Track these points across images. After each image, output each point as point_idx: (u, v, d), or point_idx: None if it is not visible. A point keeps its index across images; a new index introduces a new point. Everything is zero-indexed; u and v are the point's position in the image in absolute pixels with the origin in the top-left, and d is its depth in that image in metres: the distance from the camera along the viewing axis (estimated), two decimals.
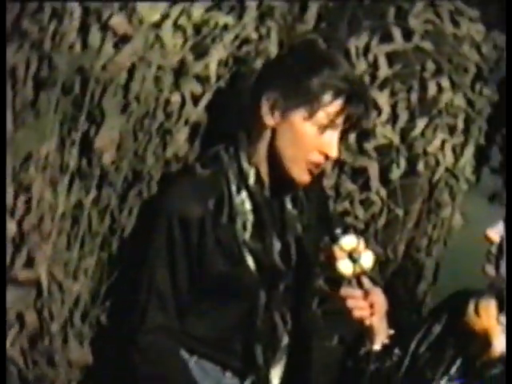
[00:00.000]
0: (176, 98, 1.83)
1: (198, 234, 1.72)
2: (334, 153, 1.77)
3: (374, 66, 2.45)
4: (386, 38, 2.45)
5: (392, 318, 1.87)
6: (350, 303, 1.75)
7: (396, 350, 1.82)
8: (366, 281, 1.75)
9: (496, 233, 1.72)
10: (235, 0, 2.01)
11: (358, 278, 1.73)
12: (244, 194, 1.78)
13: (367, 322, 1.76)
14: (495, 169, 3.62)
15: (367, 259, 1.73)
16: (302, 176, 1.79)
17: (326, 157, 1.79)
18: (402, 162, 2.48)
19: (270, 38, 2.14)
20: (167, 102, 1.82)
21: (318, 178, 1.90)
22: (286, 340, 1.84)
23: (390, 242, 2.53)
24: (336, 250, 1.71)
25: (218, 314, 1.78)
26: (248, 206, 1.78)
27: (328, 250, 1.73)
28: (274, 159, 1.80)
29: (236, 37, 2.05)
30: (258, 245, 1.79)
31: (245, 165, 1.78)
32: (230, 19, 2.01)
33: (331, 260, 1.72)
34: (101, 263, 1.78)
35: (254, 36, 2.12)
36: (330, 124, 1.76)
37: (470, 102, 2.58)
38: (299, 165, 1.78)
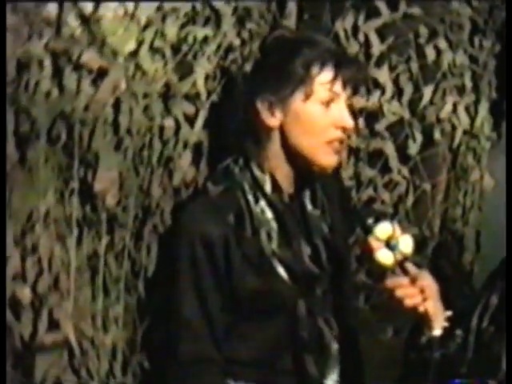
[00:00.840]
0: (169, 123, 1.74)
1: (224, 253, 1.64)
2: (349, 122, 1.69)
3: (366, 44, 2.37)
4: (372, 13, 2.37)
5: (444, 297, 1.77)
6: (399, 293, 1.64)
7: (458, 331, 1.71)
8: (410, 266, 1.65)
9: None
10: (209, 9, 1.92)
11: (400, 265, 1.62)
12: (262, 203, 1.69)
13: (421, 309, 1.65)
14: None
15: (406, 243, 1.63)
16: (329, 159, 1.71)
17: (343, 129, 1.70)
18: (418, 135, 2.40)
19: (253, 41, 2.06)
20: (161, 129, 1.74)
21: (334, 170, 1.80)
22: (335, 346, 1.74)
23: (424, 220, 2.44)
24: (372, 241, 1.61)
25: (259, 332, 1.69)
26: (269, 214, 1.70)
27: (364, 243, 1.63)
28: (293, 157, 1.71)
29: (218, 47, 1.97)
30: (286, 253, 1.70)
31: (258, 173, 1.70)
32: (208, 31, 1.93)
33: (369, 252, 1.62)
34: (130, 309, 1.70)
35: (237, 42, 2.03)
36: (331, 95, 1.67)
37: (472, 58, 2.49)
38: (322, 149, 1.69)
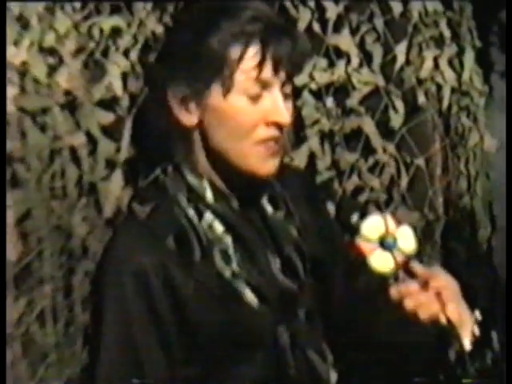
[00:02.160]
0: (80, 140, 1.36)
1: (169, 287, 1.26)
2: (284, 117, 1.31)
3: (319, 9, 2.07)
4: None
5: (468, 292, 1.41)
6: (410, 303, 1.28)
7: (494, 335, 1.34)
8: (416, 266, 1.29)
9: None
10: None
11: (404, 266, 1.26)
12: (208, 215, 1.32)
13: (442, 319, 1.29)
14: (503, 72, 3.17)
15: (406, 238, 1.28)
16: (262, 165, 1.34)
17: (278, 126, 1.32)
18: (399, 104, 2.10)
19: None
20: (72, 150, 1.35)
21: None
22: (334, 377, 1.37)
23: (424, 201, 2.10)
24: (361, 243, 1.25)
25: (235, 377, 1.30)
26: (219, 228, 1.33)
27: (352, 247, 1.27)
28: (220, 161, 1.34)
29: (136, 39, 1.60)
30: (251, 271, 1.33)
31: (193, 180, 1.33)
32: (118, 20, 1.55)
33: (362, 258, 1.26)
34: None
35: (160, 29, 1.66)
36: (259, 84, 1.29)
37: (445, 3, 2.14)
38: (251, 153, 1.32)
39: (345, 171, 2.05)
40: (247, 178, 1.38)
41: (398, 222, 1.29)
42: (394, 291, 1.29)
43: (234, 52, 1.26)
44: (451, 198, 2.17)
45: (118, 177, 1.48)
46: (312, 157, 2.06)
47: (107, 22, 1.55)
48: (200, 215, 1.33)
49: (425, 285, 1.30)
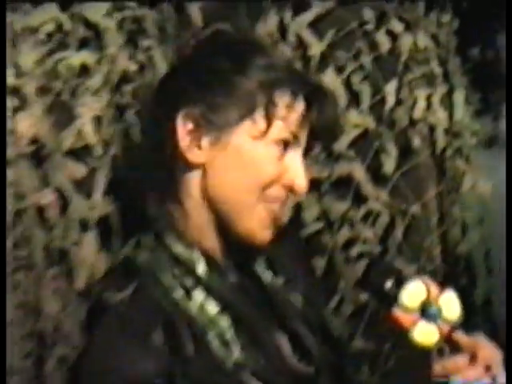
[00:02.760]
0: (49, 199, 1.14)
1: None
2: (301, 181, 1.16)
3: (301, 45, 1.91)
4: (301, 5, 1.91)
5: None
6: (460, 379, 1.12)
7: None
8: (461, 337, 1.14)
9: None
10: (83, 26, 1.36)
11: (448, 338, 1.11)
12: (198, 293, 1.12)
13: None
14: (477, 110, 3.08)
15: (450, 305, 1.13)
16: (261, 230, 1.17)
17: (291, 190, 1.17)
18: (391, 147, 1.91)
19: (155, 61, 1.51)
20: (40, 209, 1.13)
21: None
22: None
23: (422, 252, 1.93)
24: (400, 314, 1.08)
25: None
26: (214, 308, 1.13)
27: (389, 319, 1.10)
28: (214, 216, 1.15)
29: (107, 78, 1.41)
30: (257, 358, 1.13)
31: (181, 250, 1.14)
32: (86, 55, 1.36)
33: (402, 332, 1.10)
34: None
35: (133, 67, 1.48)
36: (291, 138, 1.14)
37: (434, 38, 2.00)
38: (255, 212, 1.15)
39: (335, 222, 1.89)
40: (241, 243, 1.19)
41: (441, 287, 1.13)
42: (439, 367, 1.13)
43: (282, 99, 1.10)
44: (448, 247, 2.01)
45: (91, 240, 1.26)
46: (298, 207, 1.89)
47: (76, 58, 1.35)
48: (189, 294, 1.13)
49: (473, 357, 1.15)
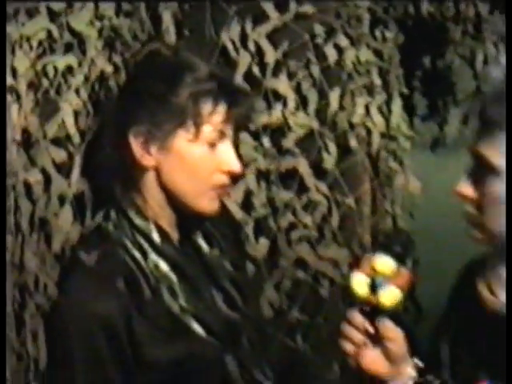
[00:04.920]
0: (35, 178, 1.41)
1: (126, 328, 1.33)
2: (236, 166, 1.43)
3: (259, 53, 2.17)
4: (260, 17, 2.16)
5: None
6: (345, 328, 1.36)
7: (429, 377, 1.44)
8: (383, 320, 1.36)
9: (467, 186, 1.37)
10: (69, 34, 1.61)
11: (374, 309, 1.34)
12: (153, 256, 1.40)
13: (353, 361, 1.37)
14: (424, 116, 3.35)
15: (389, 293, 1.34)
16: (212, 205, 1.45)
17: (229, 174, 1.44)
18: (332, 146, 2.18)
19: (128, 64, 1.76)
20: (27, 185, 1.40)
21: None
22: None
23: (354, 238, 2.20)
24: (365, 262, 1.32)
25: None
26: (165, 267, 1.41)
27: (358, 261, 1.35)
28: (172, 200, 1.42)
29: (86, 77, 1.66)
30: (198, 305, 1.42)
31: (140, 222, 1.42)
32: (70, 59, 1.61)
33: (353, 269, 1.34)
34: None
35: (109, 69, 1.73)
36: (219, 135, 1.41)
37: (377, 53, 2.27)
38: (204, 194, 1.44)
39: (279, 208, 2.15)
40: (185, 218, 1.46)
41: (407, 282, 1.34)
42: (351, 313, 1.35)
43: (206, 108, 1.36)
44: (378, 235, 2.28)
45: (66, 212, 1.53)
46: (248, 194, 2.15)
47: (61, 61, 1.61)
48: (145, 256, 1.41)
49: (374, 332, 1.37)
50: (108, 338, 1.32)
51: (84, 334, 1.31)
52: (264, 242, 2.14)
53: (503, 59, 3.47)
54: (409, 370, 1.38)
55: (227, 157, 1.42)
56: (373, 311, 1.34)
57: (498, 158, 1.32)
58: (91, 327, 1.31)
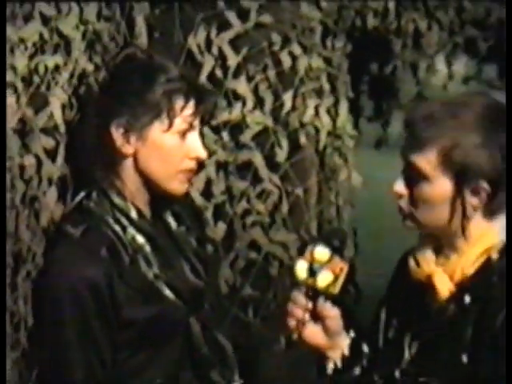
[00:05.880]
0: (30, 161, 1.64)
1: (108, 290, 1.57)
2: (202, 153, 1.69)
3: (221, 57, 2.38)
4: (224, 25, 2.37)
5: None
6: (290, 307, 1.62)
7: (365, 349, 1.71)
8: (321, 299, 1.62)
9: (401, 187, 1.63)
10: (57, 36, 1.84)
11: (310, 290, 1.60)
12: (131, 230, 1.65)
13: (294, 335, 1.63)
14: (370, 117, 3.63)
15: (323, 277, 1.60)
16: (181, 187, 1.71)
17: (197, 160, 1.70)
18: (284, 142, 2.43)
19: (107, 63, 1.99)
20: (22, 167, 1.63)
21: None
22: (231, 351, 1.74)
23: (301, 225, 2.45)
24: (307, 253, 1.59)
25: (159, 360, 1.64)
26: (141, 239, 1.66)
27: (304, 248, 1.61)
28: (147, 183, 1.68)
29: (71, 75, 1.89)
30: (169, 273, 1.67)
31: (119, 202, 1.66)
32: (58, 58, 1.84)
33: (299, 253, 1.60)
34: (16, 366, 1.58)
35: (90, 67, 1.96)
36: (188, 127, 1.67)
37: (326, 61, 2.53)
38: (175, 178, 1.69)
39: (236, 196, 2.36)
40: (158, 198, 1.72)
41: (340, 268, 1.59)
42: (293, 293, 1.61)
43: (178, 103, 1.61)
44: (323, 223, 2.55)
45: (52, 192, 1.77)
46: (208, 183, 2.37)
47: (51, 60, 1.83)
48: (124, 230, 1.66)
49: (313, 310, 1.62)
50: (94, 299, 1.56)
51: (73, 295, 1.55)
52: (222, 226, 2.37)
53: (443, 68, 3.80)
54: (344, 343, 1.64)
55: (195, 145, 1.67)
56: (314, 293, 1.61)
57: (428, 168, 1.58)
58: (80, 289, 1.55)
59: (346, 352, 1.67)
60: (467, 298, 1.58)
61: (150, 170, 1.66)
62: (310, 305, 1.61)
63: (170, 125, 1.64)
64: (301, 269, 1.60)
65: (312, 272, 1.59)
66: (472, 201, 1.57)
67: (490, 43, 3.28)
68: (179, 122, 1.65)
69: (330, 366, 1.66)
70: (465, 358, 1.55)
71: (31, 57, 1.77)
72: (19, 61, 1.67)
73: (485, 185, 1.55)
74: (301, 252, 2.32)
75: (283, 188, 2.40)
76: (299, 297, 1.63)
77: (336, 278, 1.61)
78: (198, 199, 2.34)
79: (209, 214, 2.37)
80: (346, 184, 2.61)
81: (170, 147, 1.65)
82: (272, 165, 2.39)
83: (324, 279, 1.60)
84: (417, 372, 1.60)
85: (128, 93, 1.62)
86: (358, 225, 2.67)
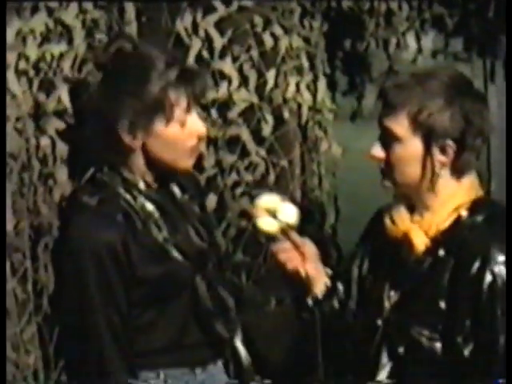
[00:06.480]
0: (45, 142, 1.81)
1: (125, 251, 1.75)
2: (202, 130, 1.84)
3: (208, 39, 2.51)
4: (209, 9, 2.51)
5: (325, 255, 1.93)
6: (282, 257, 1.81)
7: (340, 286, 1.90)
8: (293, 234, 1.82)
9: (378, 150, 1.81)
10: (60, 26, 1.99)
11: (284, 233, 1.78)
12: (141, 199, 1.82)
13: (302, 272, 1.83)
14: (345, 91, 3.78)
15: (289, 213, 1.78)
16: (189, 163, 1.87)
17: (199, 137, 1.86)
18: (268, 118, 2.57)
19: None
20: (38, 148, 1.79)
21: None
22: (233, 305, 1.92)
23: (286, 193, 2.61)
24: (255, 210, 1.76)
25: (167, 317, 1.83)
26: (150, 207, 1.83)
27: (248, 213, 1.79)
28: (158, 165, 1.83)
29: (74, 61, 2.04)
30: (177, 237, 1.85)
31: (129, 176, 1.82)
32: (63, 46, 1.99)
33: (253, 220, 1.78)
34: (41, 328, 1.75)
35: (89, 56, 2.11)
36: (187, 112, 1.81)
37: (305, 40, 2.68)
38: (183, 158, 1.85)
39: (226, 169, 2.51)
40: (164, 172, 1.88)
41: (284, 202, 1.78)
42: (274, 246, 1.81)
43: (172, 96, 1.75)
44: (306, 192, 2.72)
45: (64, 170, 1.93)
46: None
47: (56, 48, 1.98)
48: (135, 199, 1.83)
49: (295, 247, 1.83)
50: (112, 260, 1.73)
51: (95, 258, 1.72)
52: (213, 197, 2.52)
53: (413, 44, 3.97)
54: (324, 275, 1.84)
55: (195, 126, 1.83)
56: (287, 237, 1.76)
57: (400, 130, 1.77)
58: (100, 252, 1.72)
59: (328, 283, 1.86)
60: (441, 251, 1.77)
61: (160, 156, 1.81)
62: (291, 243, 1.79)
63: (170, 119, 1.78)
64: (266, 223, 1.77)
65: (276, 218, 1.76)
66: (440, 158, 1.75)
67: (455, 19, 3.46)
68: (178, 113, 1.79)
69: (310, 299, 1.85)
70: (442, 305, 1.74)
71: (39, 45, 1.92)
72: (31, 50, 1.82)
73: (451, 143, 1.74)
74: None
75: (269, 160, 2.55)
76: (282, 244, 1.81)
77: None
78: None
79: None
80: (327, 155, 2.77)
81: (174, 136, 1.80)
82: (258, 139, 2.54)
83: (288, 215, 1.78)
84: (398, 319, 1.79)
85: (126, 95, 1.76)
86: (338, 191, 2.84)
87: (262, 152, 2.56)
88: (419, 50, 3.69)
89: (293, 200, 2.62)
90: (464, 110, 1.75)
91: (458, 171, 1.78)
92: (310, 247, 1.88)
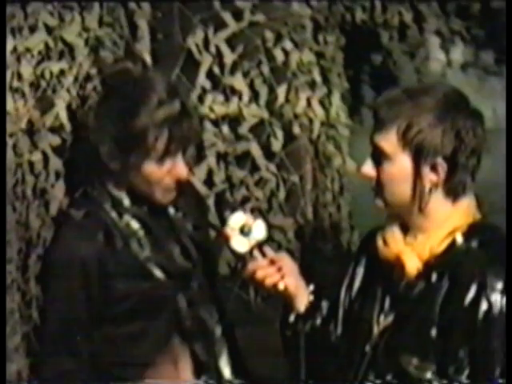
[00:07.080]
0: (38, 157, 1.84)
1: (99, 269, 1.76)
2: (184, 174, 1.81)
3: (218, 55, 2.53)
4: (220, 25, 2.52)
5: (318, 274, 1.90)
6: (259, 274, 1.78)
7: (324, 303, 1.85)
8: (267, 249, 1.78)
9: (369, 168, 1.76)
10: (61, 44, 2.02)
11: (259, 249, 1.75)
12: (126, 216, 1.83)
13: (281, 286, 1.79)
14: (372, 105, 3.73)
15: (258, 229, 1.75)
16: (164, 200, 1.84)
17: (177, 180, 1.83)
18: (279, 133, 2.56)
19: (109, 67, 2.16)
20: (31, 163, 1.83)
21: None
22: (219, 330, 1.90)
23: (297, 210, 2.60)
24: (227, 231, 1.74)
25: (148, 332, 1.83)
26: (135, 225, 1.83)
27: (219, 234, 1.77)
28: (135, 190, 1.84)
29: (76, 78, 2.07)
30: (159, 256, 1.85)
31: (115, 192, 1.83)
32: (63, 64, 2.03)
33: (226, 242, 1.75)
34: (28, 337, 1.78)
35: (93, 71, 2.14)
36: (166, 153, 1.77)
37: (319, 54, 2.67)
38: (157, 193, 1.84)
39: (235, 185, 2.52)
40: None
41: (254, 218, 1.76)
42: (250, 265, 1.78)
43: (154, 136, 1.73)
44: (318, 208, 2.70)
45: (60, 186, 1.96)
46: (210, 172, 2.53)
47: (56, 66, 2.02)
48: (120, 216, 1.84)
49: (272, 262, 1.78)
50: (81, 274, 1.73)
51: (62, 269, 1.74)
52: (224, 212, 2.53)
53: (441, 56, 3.93)
54: (307, 291, 1.80)
55: (177, 169, 1.75)
56: (261, 253, 1.73)
57: (388, 147, 1.72)
58: (69, 264, 1.74)
59: (311, 298, 1.81)
60: (434, 276, 1.70)
61: (137, 185, 1.82)
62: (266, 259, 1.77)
63: (146, 156, 1.75)
64: (237, 243, 1.74)
65: (247, 236, 1.73)
66: (431, 177, 1.69)
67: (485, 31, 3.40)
68: (156, 153, 1.75)
69: (292, 316, 1.81)
70: (433, 332, 1.68)
71: (38, 64, 1.96)
72: (25, 68, 1.86)
73: (441, 161, 1.68)
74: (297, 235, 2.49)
75: (279, 175, 2.55)
76: (258, 261, 1.77)
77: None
78: (201, 188, 2.49)
79: (211, 202, 2.53)
80: (340, 171, 2.75)
81: (150, 172, 1.77)
82: (268, 154, 2.54)
83: (258, 231, 1.75)
84: (387, 346, 1.73)
85: (108, 121, 1.73)
86: (354, 209, 2.80)
87: (272, 167, 2.56)
88: (448, 63, 3.64)
89: (304, 216, 2.63)
90: (456, 127, 1.69)
91: (452, 192, 1.71)
92: (287, 261, 1.83)
